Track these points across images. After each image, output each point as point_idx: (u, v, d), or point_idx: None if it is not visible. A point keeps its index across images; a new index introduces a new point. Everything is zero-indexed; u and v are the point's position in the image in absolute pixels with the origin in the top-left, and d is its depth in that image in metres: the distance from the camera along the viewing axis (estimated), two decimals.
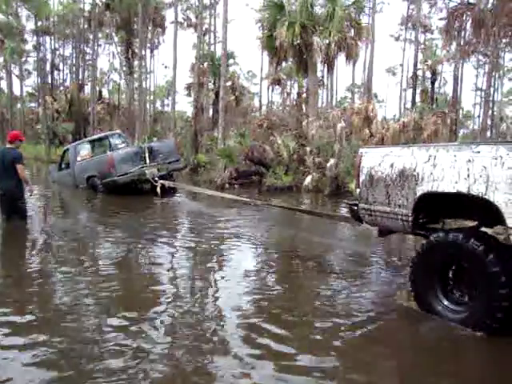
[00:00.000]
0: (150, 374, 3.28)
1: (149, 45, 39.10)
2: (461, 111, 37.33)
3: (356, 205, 5.25)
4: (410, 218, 4.49)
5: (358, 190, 5.15)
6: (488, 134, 35.71)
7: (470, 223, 4.91)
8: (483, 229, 4.53)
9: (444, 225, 5.01)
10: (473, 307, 4.00)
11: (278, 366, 3.43)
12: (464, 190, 3.94)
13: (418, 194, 4.36)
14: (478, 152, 3.87)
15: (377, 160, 4.83)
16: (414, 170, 4.38)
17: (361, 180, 5.03)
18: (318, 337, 3.95)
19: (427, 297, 4.32)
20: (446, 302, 4.22)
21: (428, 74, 41.43)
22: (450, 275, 4.29)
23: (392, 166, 4.64)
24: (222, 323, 4.24)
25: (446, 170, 4.10)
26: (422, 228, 4.73)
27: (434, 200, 4.41)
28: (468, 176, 3.91)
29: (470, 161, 3.91)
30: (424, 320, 4.27)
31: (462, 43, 24.21)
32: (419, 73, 39.13)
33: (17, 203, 8.25)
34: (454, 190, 4.02)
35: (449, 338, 3.91)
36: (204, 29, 33.09)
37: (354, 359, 3.62)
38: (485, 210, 3.95)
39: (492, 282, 3.77)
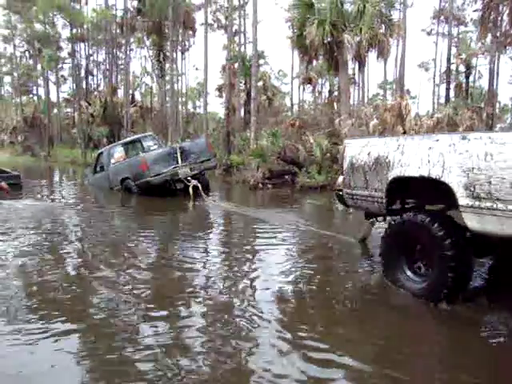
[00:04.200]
0: None
1: (180, 47, 39.48)
2: (497, 105, 36.28)
3: (341, 190, 5.88)
4: (384, 201, 5.07)
5: (341, 177, 5.88)
6: None
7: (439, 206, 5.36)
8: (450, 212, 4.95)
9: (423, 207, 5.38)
10: (430, 278, 4.53)
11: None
12: (425, 173, 4.46)
13: (390, 178, 4.91)
14: (437, 140, 4.46)
15: (357, 150, 5.46)
16: (387, 158, 4.97)
17: (345, 167, 5.70)
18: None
19: (394, 270, 4.90)
20: (408, 273, 4.79)
21: (462, 68, 40.48)
22: (415, 252, 4.76)
23: (369, 154, 5.24)
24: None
25: (412, 156, 4.67)
26: (393, 210, 5.23)
27: (404, 184, 4.91)
28: (428, 161, 4.44)
29: (430, 148, 4.44)
30: None
31: (498, 35, 23.53)
32: (453, 67, 38.29)
33: None
34: (418, 174, 4.56)
35: None
36: (234, 30, 33.22)
37: None
38: (443, 192, 4.38)
39: (446, 263, 4.29)
